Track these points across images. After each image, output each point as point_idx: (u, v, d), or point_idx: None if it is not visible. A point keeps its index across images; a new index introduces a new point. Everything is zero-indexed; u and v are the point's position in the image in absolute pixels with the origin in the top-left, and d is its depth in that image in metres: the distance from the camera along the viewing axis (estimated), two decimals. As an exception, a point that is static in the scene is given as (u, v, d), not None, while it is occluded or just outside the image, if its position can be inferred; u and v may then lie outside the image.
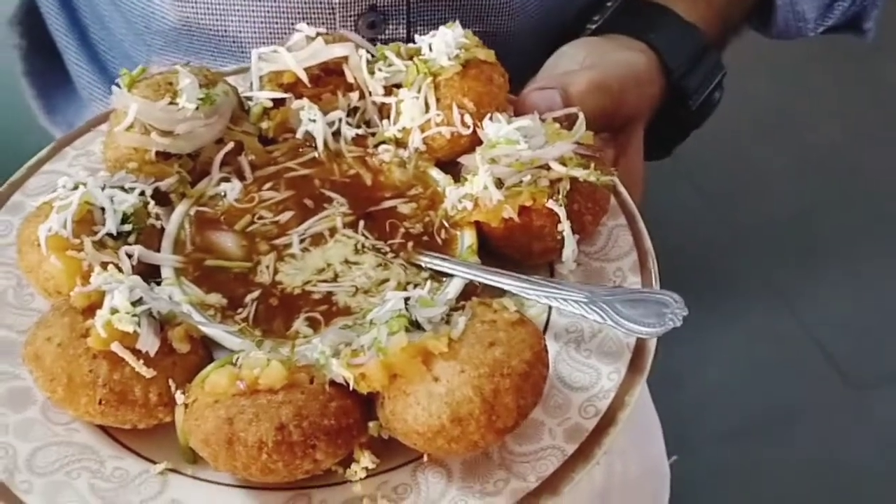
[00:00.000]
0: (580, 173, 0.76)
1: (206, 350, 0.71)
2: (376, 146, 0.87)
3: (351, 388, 0.63)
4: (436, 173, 0.85)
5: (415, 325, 0.65)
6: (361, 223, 0.81)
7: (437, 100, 0.84)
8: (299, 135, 0.87)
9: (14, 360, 0.72)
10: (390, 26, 1.04)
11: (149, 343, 0.65)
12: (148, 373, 0.65)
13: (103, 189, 0.76)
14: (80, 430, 0.69)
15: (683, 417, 2.06)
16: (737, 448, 2.12)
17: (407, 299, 0.67)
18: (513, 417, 0.62)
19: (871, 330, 2.32)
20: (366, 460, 0.65)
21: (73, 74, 1.23)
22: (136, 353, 0.65)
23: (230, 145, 0.84)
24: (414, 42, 0.90)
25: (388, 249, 0.79)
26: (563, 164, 0.77)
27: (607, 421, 0.69)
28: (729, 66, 1.12)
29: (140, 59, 1.12)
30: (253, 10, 1.02)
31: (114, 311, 0.66)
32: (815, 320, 2.35)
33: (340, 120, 0.87)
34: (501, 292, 0.74)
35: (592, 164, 0.77)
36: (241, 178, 0.84)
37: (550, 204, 0.75)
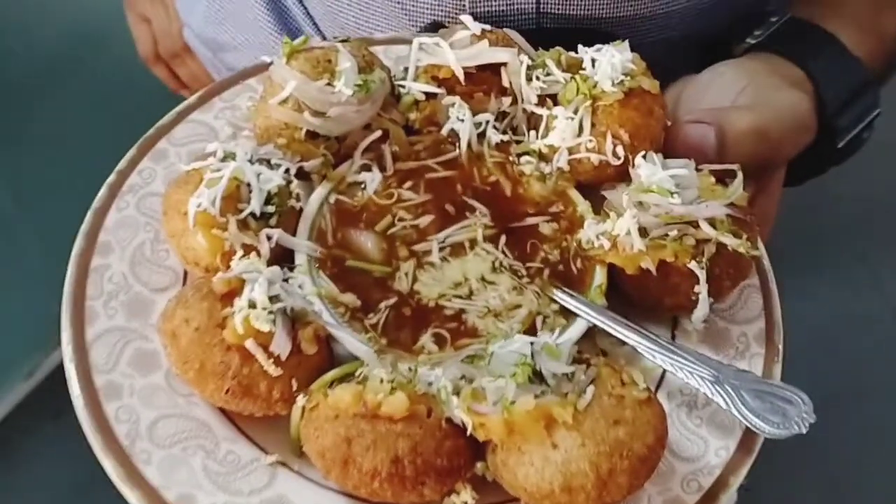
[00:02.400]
0: (730, 241, 0.73)
1: (328, 349, 0.72)
2: (519, 155, 0.86)
3: (467, 432, 0.64)
4: (575, 195, 0.84)
5: (537, 375, 0.65)
6: (503, 238, 0.80)
7: (593, 124, 0.82)
8: (444, 131, 0.86)
9: (145, 321, 0.75)
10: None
11: (282, 346, 0.66)
12: (276, 372, 0.67)
13: (251, 163, 0.76)
14: (200, 404, 0.71)
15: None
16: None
17: (532, 343, 0.67)
18: (622, 495, 0.62)
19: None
20: (466, 495, 0.67)
21: None
22: (267, 351, 0.67)
23: (377, 133, 0.83)
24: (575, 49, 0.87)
25: (524, 272, 0.78)
26: (713, 225, 0.74)
27: (708, 499, 0.69)
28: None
29: None
30: None
31: (251, 304, 0.67)
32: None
33: (488, 122, 0.86)
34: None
35: (744, 234, 0.74)
36: (382, 168, 0.83)
37: (692, 265, 0.73)
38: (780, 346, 0.77)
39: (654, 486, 0.69)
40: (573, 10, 1.00)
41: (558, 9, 1.00)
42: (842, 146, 1.03)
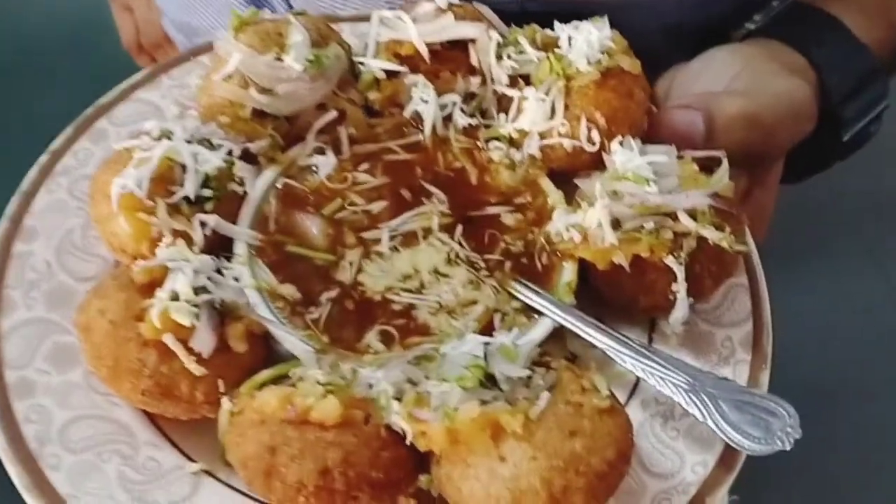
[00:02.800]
0: (712, 235, 0.66)
1: (263, 346, 0.65)
2: (487, 141, 0.79)
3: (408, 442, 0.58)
4: (547, 184, 0.76)
5: (490, 379, 0.58)
6: (459, 228, 0.73)
7: (566, 106, 0.75)
8: (407, 113, 0.79)
9: (66, 312, 0.68)
10: None
11: (204, 343, 0.60)
12: (198, 371, 0.60)
13: (189, 142, 0.70)
14: (121, 404, 0.64)
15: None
16: (806, 413, 2.07)
17: (487, 343, 0.60)
18: (578, 516, 0.55)
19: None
20: (409, 510, 0.60)
21: None
22: (190, 347, 0.60)
23: (332, 114, 0.77)
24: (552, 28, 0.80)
25: (482, 265, 0.71)
26: (694, 217, 0.67)
27: (681, 522, 0.62)
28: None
29: None
30: None
31: (174, 296, 0.61)
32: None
33: (454, 104, 0.79)
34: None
35: (727, 227, 0.67)
36: (337, 151, 0.77)
37: (669, 261, 0.66)
38: (769, 352, 0.70)
39: (622, 506, 0.62)
40: None
41: None
42: (847, 139, 0.96)
